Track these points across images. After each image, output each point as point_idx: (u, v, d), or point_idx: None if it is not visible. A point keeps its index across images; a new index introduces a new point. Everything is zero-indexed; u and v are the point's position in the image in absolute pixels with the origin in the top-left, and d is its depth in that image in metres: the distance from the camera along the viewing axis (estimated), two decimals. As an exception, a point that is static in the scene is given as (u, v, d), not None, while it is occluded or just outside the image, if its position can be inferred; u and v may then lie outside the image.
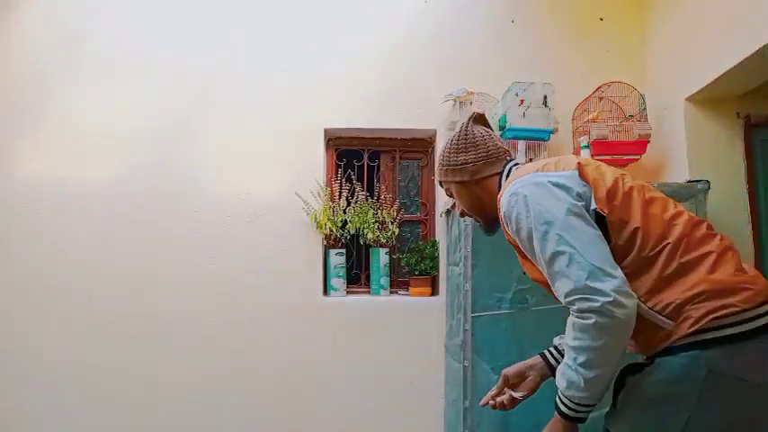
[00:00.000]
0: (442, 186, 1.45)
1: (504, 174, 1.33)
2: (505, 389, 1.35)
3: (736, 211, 2.37)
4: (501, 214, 1.21)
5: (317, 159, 2.79)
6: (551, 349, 1.36)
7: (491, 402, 1.35)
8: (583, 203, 1.10)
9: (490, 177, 1.34)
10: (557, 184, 1.12)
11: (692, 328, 0.99)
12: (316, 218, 2.68)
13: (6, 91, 2.77)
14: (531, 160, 2.47)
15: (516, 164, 1.35)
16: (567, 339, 1.08)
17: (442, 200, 2.73)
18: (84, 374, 2.62)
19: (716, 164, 2.38)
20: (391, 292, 2.79)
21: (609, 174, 1.17)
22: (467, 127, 1.39)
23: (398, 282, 2.88)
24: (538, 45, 2.83)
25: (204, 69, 2.80)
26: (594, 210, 1.10)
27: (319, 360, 2.64)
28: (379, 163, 2.96)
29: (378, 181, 2.93)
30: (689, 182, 2.24)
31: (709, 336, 0.99)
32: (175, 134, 2.76)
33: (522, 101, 2.47)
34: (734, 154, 2.40)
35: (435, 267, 2.75)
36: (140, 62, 2.79)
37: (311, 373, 2.64)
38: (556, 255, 1.06)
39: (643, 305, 1.04)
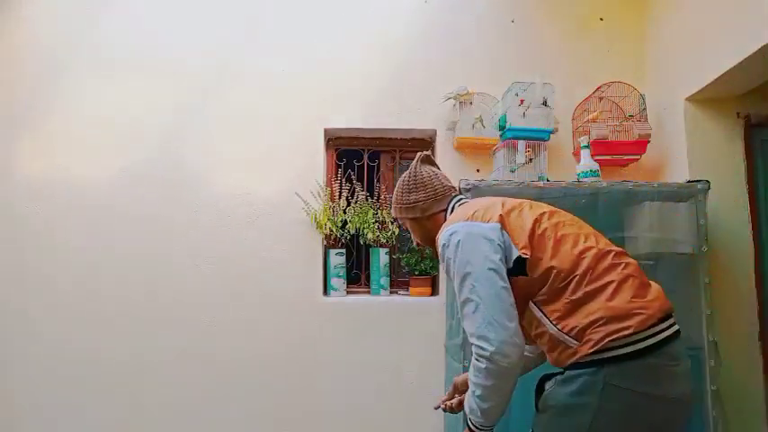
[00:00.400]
0: (397, 222, 1.57)
1: (449, 210, 1.51)
2: (455, 394, 1.58)
3: (736, 211, 2.37)
4: (438, 251, 1.40)
5: (317, 159, 2.79)
6: None
7: (442, 405, 1.58)
8: (502, 253, 1.29)
9: (438, 213, 1.53)
10: (484, 237, 1.30)
11: (593, 349, 1.18)
12: (316, 218, 2.68)
13: (8, 90, 2.77)
14: (531, 160, 2.48)
15: (460, 199, 1.54)
16: (470, 374, 1.28)
17: (442, 200, 2.73)
18: (82, 372, 2.62)
19: (716, 164, 2.38)
20: (391, 292, 2.79)
21: (528, 219, 1.34)
22: (416, 168, 1.57)
23: (398, 282, 2.88)
24: (538, 45, 2.83)
25: (204, 69, 2.80)
26: (518, 255, 1.29)
27: (319, 360, 2.64)
28: (379, 163, 2.96)
29: (378, 181, 2.93)
30: (689, 182, 2.24)
31: (606, 355, 1.17)
32: (175, 134, 2.76)
33: (522, 101, 2.47)
34: (734, 154, 2.40)
35: (435, 267, 2.75)
36: (141, 62, 2.79)
37: (311, 373, 2.64)
38: (467, 300, 1.27)
39: (554, 327, 1.24)
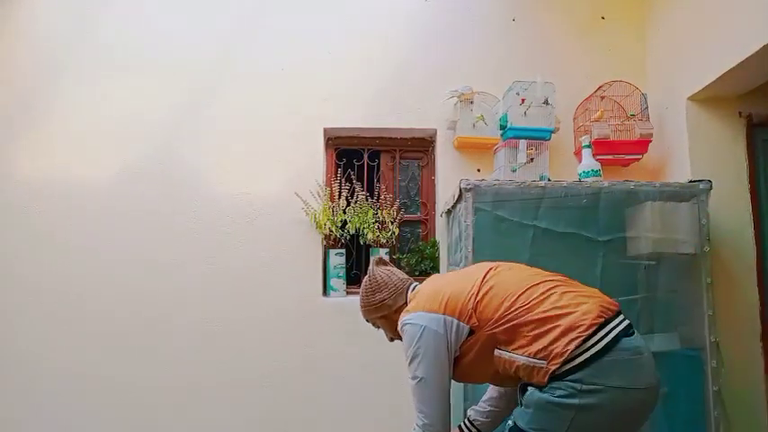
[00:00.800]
0: (368, 322, 1.79)
1: (407, 300, 1.68)
2: None
3: (738, 211, 2.36)
4: (400, 332, 1.62)
5: (316, 159, 2.78)
6: (465, 421, 1.74)
7: None
8: (444, 340, 1.49)
9: (402, 305, 1.68)
10: (427, 327, 1.51)
11: (560, 360, 1.33)
12: (315, 218, 2.67)
13: (8, 90, 2.77)
14: (531, 160, 2.47)
15: (414, 287, 1.71)
16: None
17: (443, 200, 2.73)
18: (83, 375, 2.61)
19: (718, 163, 2.37)
20: (391, 293, 2.78)
21: (463, 296, 1.50)
22: (373, 272, 1.74)
23: (399, 282, 2.86)
24: (539, 44, 2.82)
25: (204, 69, 2.79)
26: (468, 328, 1.47)
27: (319, 360, 2.64)
28: (379, 163, 2.96)
29: (378, 181, 2.92)
30: (691, 181, 2.23)
31: (572, 363, 1.33)
32: (175, 134, 2.75)
33: (523, 100, 2.46)
34: (736, 153, 2.39)
35: (436, 268, 2.74)
36: (141, 61, 2.79)
37: (311, 374, 2.63)
38: (414, 377, 1.55)
39: (523, 357, 1.39)
